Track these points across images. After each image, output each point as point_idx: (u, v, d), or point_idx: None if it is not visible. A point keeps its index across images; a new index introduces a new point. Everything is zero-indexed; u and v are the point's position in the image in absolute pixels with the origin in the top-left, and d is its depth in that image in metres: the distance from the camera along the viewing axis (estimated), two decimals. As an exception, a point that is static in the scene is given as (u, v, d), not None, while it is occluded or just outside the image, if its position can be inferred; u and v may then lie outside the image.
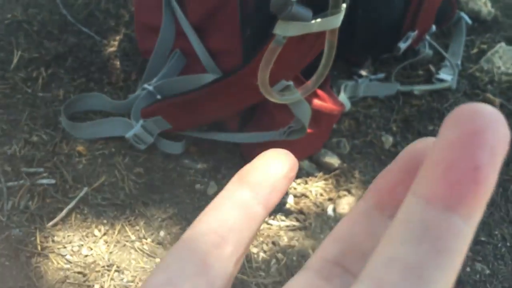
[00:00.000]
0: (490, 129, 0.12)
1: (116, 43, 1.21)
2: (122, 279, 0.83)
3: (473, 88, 1.29)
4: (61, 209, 0.89)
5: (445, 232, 0.12)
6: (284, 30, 0.75)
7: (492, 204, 1.05)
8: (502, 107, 1.25)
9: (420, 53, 1.29)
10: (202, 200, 0.97)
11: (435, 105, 1.23)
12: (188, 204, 0.96)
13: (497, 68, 1.33)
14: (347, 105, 1.17)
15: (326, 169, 1.07)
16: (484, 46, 1.40)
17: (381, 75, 1.26)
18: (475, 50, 1.39)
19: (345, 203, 1.02)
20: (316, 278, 0.16)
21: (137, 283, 0.83)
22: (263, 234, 0.94)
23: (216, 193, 0.97)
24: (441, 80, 1.27)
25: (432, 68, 1.31)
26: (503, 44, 1.37)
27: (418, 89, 1.25)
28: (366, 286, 0.11)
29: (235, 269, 0.17)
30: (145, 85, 1.00)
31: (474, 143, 0.12)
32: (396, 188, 0.16)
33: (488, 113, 0.12)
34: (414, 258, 0.11)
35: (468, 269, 0.95)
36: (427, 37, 1.29)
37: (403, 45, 1.20)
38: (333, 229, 0.17)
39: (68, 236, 0.87)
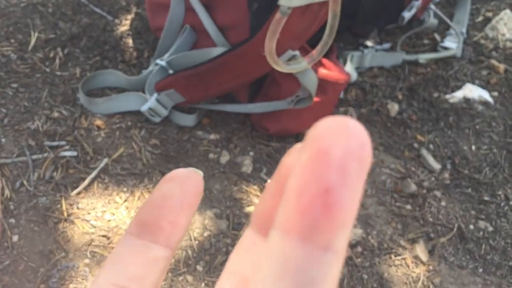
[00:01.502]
0: (338, 146, 0.11)
1: (128, 22, 1.25)
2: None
3: (478, 55, 1.31)
4: (84, 179, 0.95)
5: (303, 263, 0.11)
6: (288, 0, 0.78)
7: (496, 166, 1.09)
8: (506, 73, 1.27)
9: (425, 22, 1.31)
10: (215, 169, 1.02)
11: (440, 72, 1.25)
12: (203, 172, 1.01)
13: (502, 35, 1.34)
14: (354, 75, 1.20)
15: (334, 137, 1.11)
16: (489, 14, 1.41)
17: (387, 45, 1.28)
18: (480, 18, 1.40)
19: (353, 169, 1.07)
20: None
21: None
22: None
23: (228, 162, 1.03)
24: (446, 48, 1.29)
25: (437, 37, 1.33)
26: (507, 11, 1.38)
27: (423, 57, 1.27)
28: None
29: None
30: (158, 61, 1.04)
31: (322, 164, 0.11)
32: (274, 212, 0.16)
33: (337, 127, 0.11)
34: None
35: (471, 226, 0.99)
36: (432, 6, 1.30)
37: (407, 15, 1.22)
38: (227, 262, 0.17)
39: (92, 203, 0.93)
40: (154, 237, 0.17)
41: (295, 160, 0.14)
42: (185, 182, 0.17)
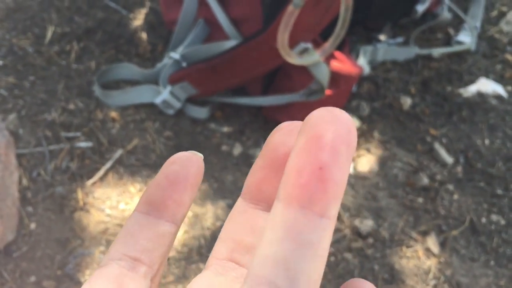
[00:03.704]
0: (330, 131, 0.13)
1: (142, 16, 1.27)
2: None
3: (492, 49, 1.30)
4: (99, 169, 0.97)
5: (303, 227, 0.13)
6: (301, -8, 0.79)
7: (509, 160, 1.08)
8: (521, 67, 1.26)
9: (439, 16, 1.31)
10: (228, 160, 1.03)
11: (454, 66, 1.25)
12: (216, 164, 1.02)
13: (517, 29, 1.33)
14: (366, 69, 1.20)
15: (346, 130, 1.11)
16: (504, 8, 1.40)
17: (400, 39, 1.28)
18: (495, 12, 1.39)
19: (365, 161, 1.07)
20: (213, 275, 0.18)
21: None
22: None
23: (241, 154, 1.04)
24: (460, 42, 1.29)
25: (451, 31, 1.33)
26: (523, 4, 1.37)
27: (437, 52, 1.27)
28: (248, 285, 0.12)
29: (154, 284, 0.18)
30: (172, 54, 1.06)
31: (317, 146, 0.13)
32: (263, 184, 0.18)
33: (329, 116, 0.13)
34: (280, 254, 0.12)
35: (484, 219, 0.99)
36: (446, 0, 1.30)
37: (420, 8, 1.22)
38: (221, 231, 0.19)
39: (107, 193, 0.95)
40: (161, 214, 0.18)
41: (281, 138, 0.17)
42: (187, 164, 0.18)
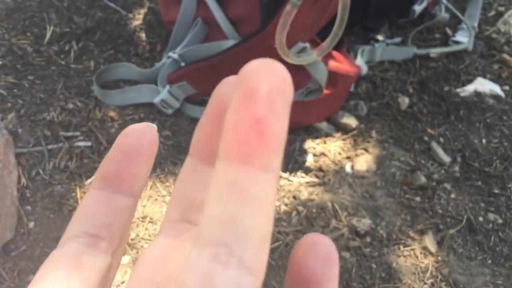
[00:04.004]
0: (263, 83, 0.12)
1: (141, 16, 1.27)
2: (155, 229, 0.91)
3: (490, 49, 1.30)
4: (97, 168, 0.97)
5: (246, 183, 0.12)
6: (299, -9, 0.79)
7: (506, 159, 1.09)
8: (518, 67, 1.27)
9: (436, 16, 1.31)
10: (226, 160, 1.03)
11: (451, 66, 1.25)
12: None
13: (514, 29, 1.34)
14: (364, 69, 1.21)
15: (344, 130, 1.12)
16: (502, 9, 1.40)
17: (398, 39, 1.29)
18: (492, 13, 1.40)
19: (363, 161, 1.07)
20: (168, 238, 0.18)
21: (169, 232, 0.91)
22: (284, 189, 1.01)
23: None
24: (457, 42, 1.29)
25: (448, 31, 1.33)
26: (520, 5, 1.37)
27: (434, 51, 1.27)
28: (198, 247, 0.12)
29: (115, 259, 0.18)
30: (170, 53, 1.06)
31: (252, 100, 0.12)
32: (210, 139, 0.17)
33: (262, 68, 0.13)
34: (226, 212, 0.12)
35: (481, 218, 0.99)
36: (444, 0, 1.30)
37: (418, 8, 1.22)
38: (172, 192, 0.18)
39: (105, 192, 0.95)
40: (117, 188, 0.18)
41: (226, 90, 0.16)
42: (140, 136, 0.18)
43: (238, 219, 0.12)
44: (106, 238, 0.17)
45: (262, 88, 0.12)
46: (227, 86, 0.16)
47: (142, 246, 0.89)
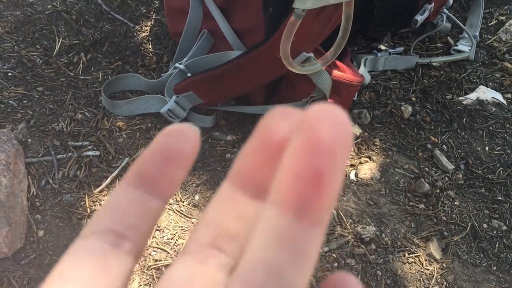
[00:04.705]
0: (327, 133, 0.12)
1: (148, 28, 1.30)
2: (163, 237, 0.92)
3: (491, 58, 1.32)
4: (106, 177, 0.99)
5: (297, 236, 0.12)
6: (303, 3, 0.81)
7: (509, 166, 1.10)
8: (520, 75, 1.28)
9: (438, 26, 1.33)
10: (232, 168, 1.05)
11: (454, 75, 1.27)
12: (220, 171, 1.04)
13: (516, 38, 1.35)
14: (367, 78, 1.22)
15: (348, 138, 1.13)
16: (503, 18, 1.42)
17: (400, 49, 1.30)
18: (493, 22, 1.41)
19: (367, 169, 1.09)
20: (195, 261, 0.17)
21: (176, 240, 0.92)
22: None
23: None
24: (459, 51, 1.31)
25: (450, 40, 1.35)
26: (521, 14, 1.39)
27: (436, 60, 1.29)
28: (236, 286, 0.12)
29: (134, 263, 0.17)
30: (177, 64, 1.08)
31: (315, 151, 0.12)
32: (254, 169, 0.17)
33: (327, 116, 0.13)
34: (273, 261, 0.12)
35: (485, 225, 1.00)
36: (445, 10, 1.32)
37: (420, 18, 1.24)
38: (203, 213, 0.18)
39: (113, 200, 0.96)
40: (151, 189, 0.17)
41: (275, 122, 0.16)
42: (182, 138, 0.17)
43: (283, 271, 0.12)
44: (131, 239, 0.17)
45: (326, 140, 0.12)
46: (275, 117, 0.16)
47: (150, 254, 0.90)
